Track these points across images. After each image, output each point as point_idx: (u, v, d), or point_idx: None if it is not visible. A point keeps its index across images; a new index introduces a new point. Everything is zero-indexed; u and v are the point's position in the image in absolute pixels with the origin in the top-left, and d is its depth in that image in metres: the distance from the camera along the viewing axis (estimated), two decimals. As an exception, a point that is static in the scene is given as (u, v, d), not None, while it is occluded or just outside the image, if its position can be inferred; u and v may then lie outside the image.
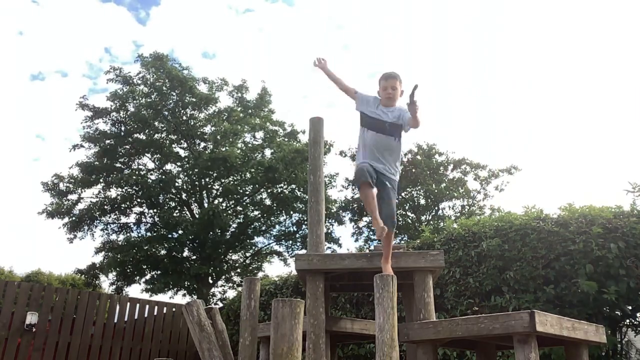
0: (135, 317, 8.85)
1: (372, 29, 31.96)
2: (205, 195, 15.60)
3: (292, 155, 14.15)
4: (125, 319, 8.74)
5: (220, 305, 14.11)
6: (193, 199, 15.59)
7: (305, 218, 14.95)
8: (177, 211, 15.06)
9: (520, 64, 34.39)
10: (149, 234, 14.95)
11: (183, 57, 31.54)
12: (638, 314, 4.55)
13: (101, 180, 14.81)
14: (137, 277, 14.52)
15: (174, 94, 15.27)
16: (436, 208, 17.56)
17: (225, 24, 29.28)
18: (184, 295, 14.86)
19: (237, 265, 15.94)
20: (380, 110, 3.41)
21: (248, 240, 15.59)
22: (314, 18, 30.59)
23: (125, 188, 14.60)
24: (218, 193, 15.63)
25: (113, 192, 14.91)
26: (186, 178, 15.40)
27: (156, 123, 15.18)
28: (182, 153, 15.90)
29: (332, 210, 16.10)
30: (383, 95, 3.46)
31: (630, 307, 4.45)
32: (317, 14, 31.11)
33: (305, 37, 31.44)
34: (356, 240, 18.26)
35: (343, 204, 17.45)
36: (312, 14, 31.22)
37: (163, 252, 14.30)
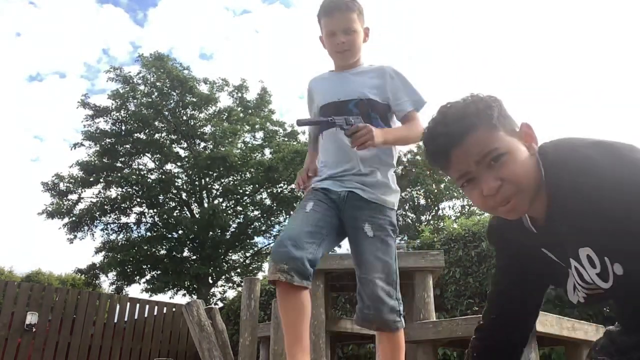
0: (135, 317, 8.84)
1: (371, 29, 31.91)
2: (205, 195, 15.60)
3: (292, 155, 14.16)
4: (125, 319, 8.73)
5: (220, 305, 14.11)
6: (193, 198, 15.59)
7: (305, 218, 14.92)
8: (177, 211, 15.06)
9: (520, 62, 34.42)
10: (149, 233, 14.94)
11: (181, 58, 31.60)
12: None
13: (101, 180, 14.81)
14: (137, 277, 14.50)
15: (175, 94, 15.27)
16: (436, 208, 17.55)
17: (223, 25, 29.36)
18: (184, 295, 14.87)
19: (237, 265, 15.94)
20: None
21: (248, 240, 15.59)
22: (312, 19, 30.57)
23: (125, 188, 14.60)
24: (218, 193, 15.63)
25: (113, 192, 14.92)
26: (186, 178, 15.40)
27: (156, 123, 15.18)
28: (182, 153, 15.91)
29: (332, 210, 16.07)
30: (330, 48, 1.90)
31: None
32: (315, 15, 31.05)
33: (303, 38, 31.48)
34: (356, 240, 18.21)
35: (343, 204, 17.41)
36: (310, 15, 31.26)
37: (163, 252, 14.30)
